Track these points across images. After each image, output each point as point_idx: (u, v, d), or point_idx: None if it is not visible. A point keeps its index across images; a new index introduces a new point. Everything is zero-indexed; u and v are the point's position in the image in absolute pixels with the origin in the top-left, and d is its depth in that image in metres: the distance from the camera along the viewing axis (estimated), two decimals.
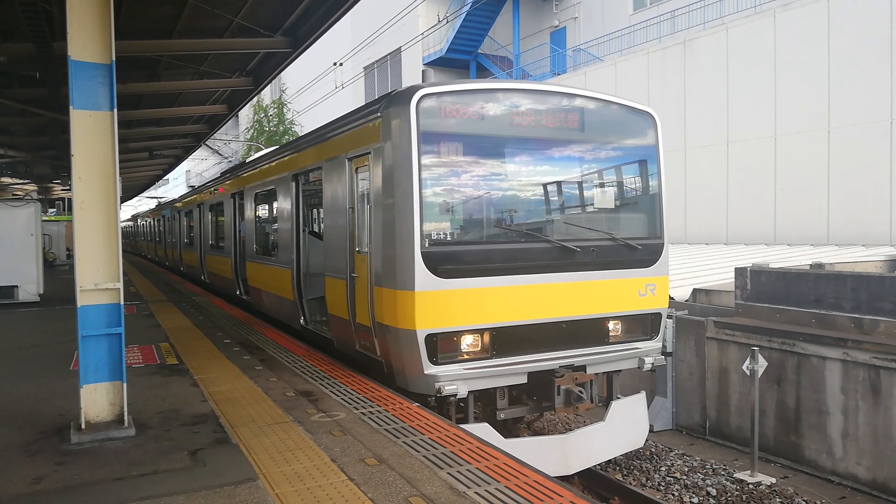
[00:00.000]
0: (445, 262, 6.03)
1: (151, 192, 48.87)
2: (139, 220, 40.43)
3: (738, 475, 7.77)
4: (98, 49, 4.71)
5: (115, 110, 4.81)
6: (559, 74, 26.16)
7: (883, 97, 14.86)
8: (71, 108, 4.67)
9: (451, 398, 6.08)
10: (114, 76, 4.78)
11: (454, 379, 6.02)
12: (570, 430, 8.51)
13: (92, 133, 4.75)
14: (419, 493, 3.81)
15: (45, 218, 20.38)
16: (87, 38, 4.67)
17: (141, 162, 24.61)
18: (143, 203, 53.96)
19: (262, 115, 39.47)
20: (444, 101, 6.21)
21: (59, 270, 23.14)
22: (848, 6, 15.59)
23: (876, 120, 14.98)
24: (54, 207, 32.24)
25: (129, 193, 43.80)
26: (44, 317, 11.88)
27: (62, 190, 29.48)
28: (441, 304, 6.01)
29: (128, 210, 56.35)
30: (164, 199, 38.55)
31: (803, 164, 16.51)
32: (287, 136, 37.43)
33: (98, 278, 4.80)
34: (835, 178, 15.88)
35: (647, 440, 7.97)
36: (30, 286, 13.58)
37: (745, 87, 17.90)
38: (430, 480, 4.00)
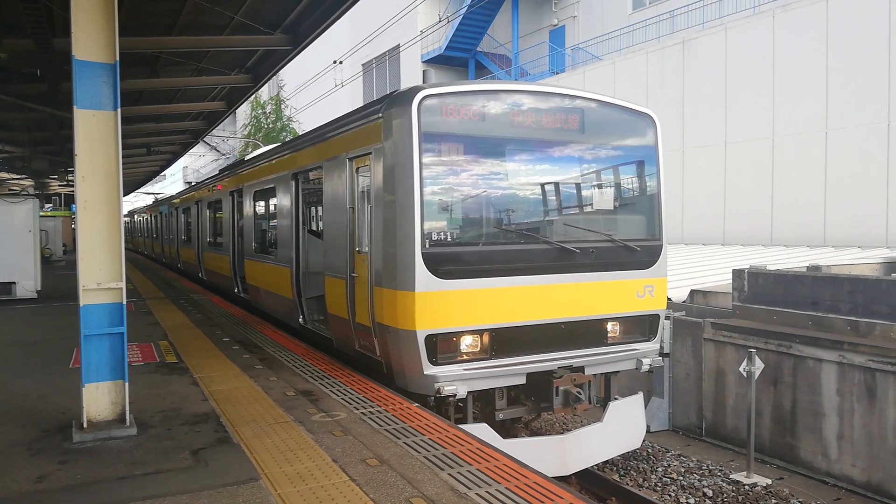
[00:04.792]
0: (446, 262, 6.05)
1: (148, 187, 48.80)
2: (136, 217, 40.34)
3: (734, 476, 7.82)
4: (102, 49, 4.71)
5: (119, 110, 4.83)
6: (558, 73, 26.18)
7: (881, 99, 14.93)
8: (74, 107, 4.67)
9: (451, 398, 6.11)
10: (117, 76, 4.79)
11: (453, 379, 6.05)
12: (568, 430, 8.55)
13: (95, 132, 4.75)
14: (420, 495, 3.84)
15: (42, 213, 20.33)
16: (91, 38, 4.67)
17: (139, 158, 24.62)
18: (139, 199, 53.91)
19: (260, 111, 39.40)
20: (446, 101, 6.23)
21: (55, 266, 23.08)
22: (847, 8, 15.65)
23: (873, 122, 15.06)
24: (51, 203, 32.15)
25: (126, 189, 43.64)
26: (42, 313, 11.86)
27: (59, 185, 29.44)
28: (441, 304, 6.03)
29: (125, 206, 56.22)
30: (161, 196, 38.49)
31: (801, 166, 16.58)
32: (285, 134, 37.37)
33: (101, 278, 4.81)
34: (832, 179, 15.95)
35: (644, 441, 8.01)
36: (27, 282, 13.56)
37: (744, 88, 17.96)
38: (432, 481, 4.03)
